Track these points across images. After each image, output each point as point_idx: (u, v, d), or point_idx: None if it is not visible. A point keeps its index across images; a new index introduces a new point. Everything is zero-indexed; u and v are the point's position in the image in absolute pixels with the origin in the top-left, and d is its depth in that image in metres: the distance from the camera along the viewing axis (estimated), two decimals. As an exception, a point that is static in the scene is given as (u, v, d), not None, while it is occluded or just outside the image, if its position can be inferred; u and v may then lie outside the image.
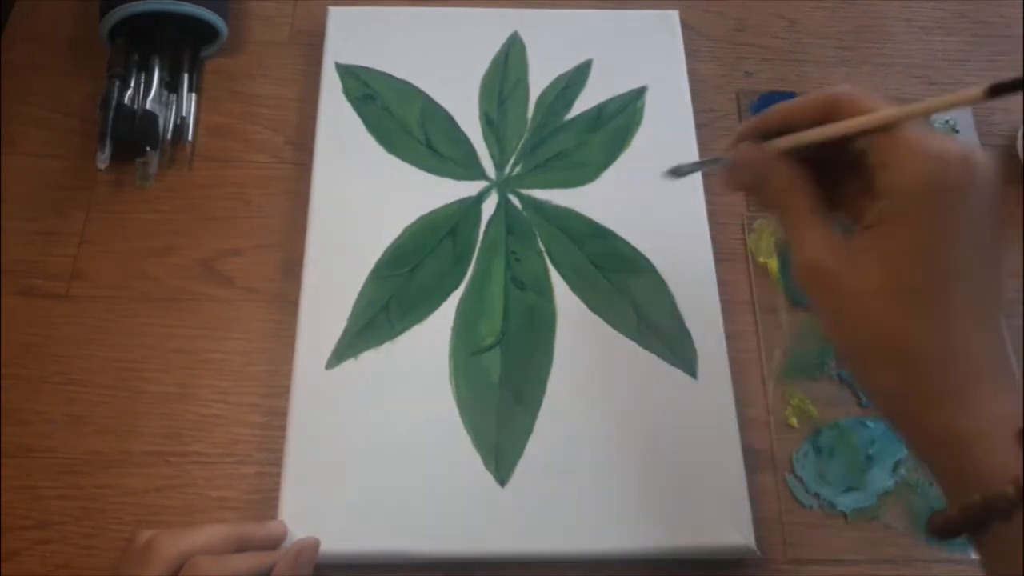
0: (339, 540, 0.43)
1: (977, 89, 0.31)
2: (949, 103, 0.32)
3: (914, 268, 0.32)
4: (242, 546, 0.40)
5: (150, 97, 0.55)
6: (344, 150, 0.54)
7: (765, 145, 0.36)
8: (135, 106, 0.55)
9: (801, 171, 0.36)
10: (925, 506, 0.47)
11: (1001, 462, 0.30)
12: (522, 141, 0.56)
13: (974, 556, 0.46)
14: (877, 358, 0.34)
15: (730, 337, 0.50)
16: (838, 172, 0.36)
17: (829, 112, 0.35)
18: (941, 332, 0.32)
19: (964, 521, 0.31)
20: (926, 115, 0.33)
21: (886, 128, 0.33)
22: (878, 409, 0.35)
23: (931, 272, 0.32)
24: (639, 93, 0.57)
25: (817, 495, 0.47)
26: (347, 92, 0.56)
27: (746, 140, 0.37)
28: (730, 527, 0.44)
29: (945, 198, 0.32)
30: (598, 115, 0.57)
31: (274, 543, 0.42)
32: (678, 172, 0.44)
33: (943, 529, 0.32)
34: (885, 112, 0.33)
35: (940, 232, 0.32)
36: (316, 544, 0.43)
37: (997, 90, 0.31)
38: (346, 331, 0.48)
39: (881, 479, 0.47)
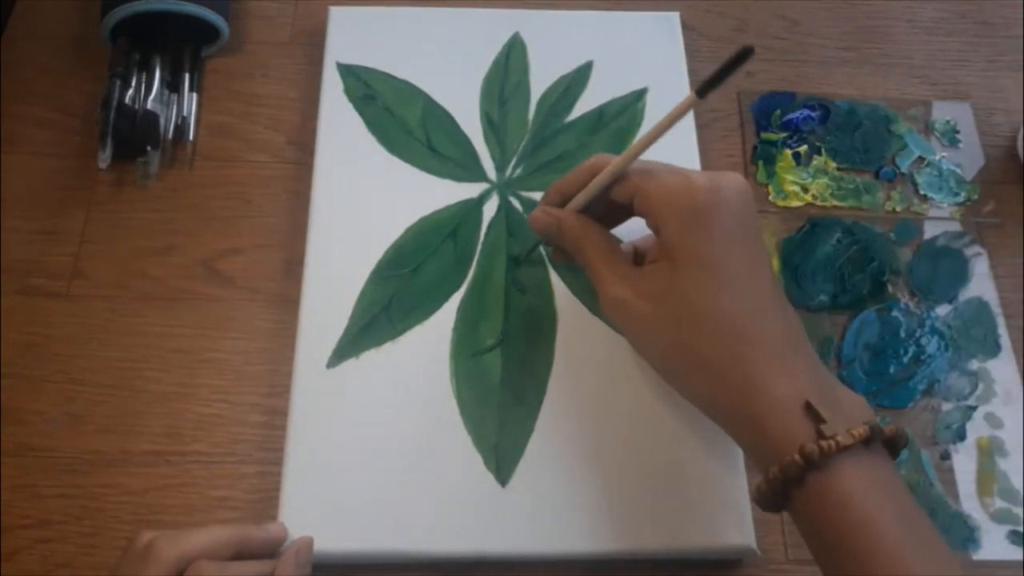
0: (339, 540, 0.43)
1: (689, 96, 0.38)
2: (664, 126, 0.38)
3: (689, 287, 0.37)
4: (242, 548, 0.40)
5: (151, 97, 0.55)
6: (345, 150, 0.54)
7: (552, 209, 0.43)
8: (136, 106, 0.55)
9: (587, 221, 0.42)
10: (924, 506, 0.47)
11: (791, 435, 0.34)
12: (523, 143, 0.56)
13: (974, 557, 0.46)
14: (677, 368, 0.39)
15: (731, 337, 0.50)
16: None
17: (589, 177, 0.41)
18: (719, 334, 0.37)
19: (772, 492, 0.35)
20: (644, 149, 0.39)
21: (620, 177, 0.40)
22: (700, 410, 0.40)
23: (708, 288, 0.37)
24: (640, 95, 0.57)
25: (817, 496, 0.47)
26: (348, 92, 0.56)
27: (541, 208, 0.44)
28: (731, 527, 0.44)
29: (701, 223, 0.37)
30: (599, 117, 0.57)
31: (274, 545, 0.42)
32: (518, 261, 0.51)
33: (759, 500, 0.36)
34: (611, 164, 0.40)
35: (706, 253, 0.37)
36: (311, 542, 0.43)
37: (703, 89, 0.37)
38: (347, 331, 0.48)
39: (882, 480, 0.47)
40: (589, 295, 0.50)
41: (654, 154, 0.55)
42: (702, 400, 0.39)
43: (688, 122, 0.56)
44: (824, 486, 0.33)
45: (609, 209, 0.42)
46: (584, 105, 0.57)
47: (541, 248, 0.51)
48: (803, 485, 0.34)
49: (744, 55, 0.36)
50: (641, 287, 0.39)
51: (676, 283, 0.38)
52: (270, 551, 0.42)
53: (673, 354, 0.38)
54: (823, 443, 0.33)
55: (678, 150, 0.55)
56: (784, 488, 0.35)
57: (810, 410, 0.35)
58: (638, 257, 0.45)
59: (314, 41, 0.60)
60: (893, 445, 0.36)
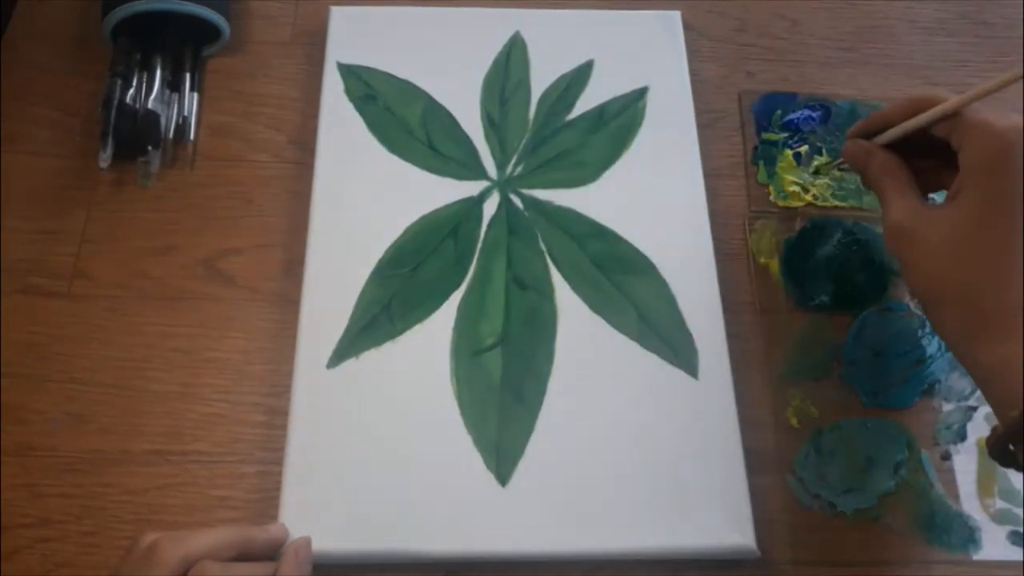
0: (340, 539, 0.43)
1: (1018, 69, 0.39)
2: (1002, 83, 0.40)
3: (979, 225, 0.38)
4: (245, 549, 0.40)
5: (152, 96, 0.55)
6: (346, 150, 0.54)
7: (865, 142, 0.46)
8: (137, 105, 0.55)
9: (895, 158, 0.44)
10: (925, 507, 0.47)
11: None
12: (523, 141, 0.56)
13: (975, 557, 0.46)
14: (944, 299, 0.40)
15: (731, 337, 0.50)
16: (942, 162, 0.43)
17: (915, 111, 0.43)
18: (996, 277, 0.38)
19: (1009, 434, 0.36)
20: (981, 98, 0.41)
21: (951, 115, 0.41)
22: (946, 343, 0.42)
23: (992, 229, 0.38)
24: (641, 93, 0.57)
25: (818, 496, 0.47)
26: (349, 92, 0.56)
27: (853, 138, 0.46)
28: (731, 528, 0.44)
29: (1007, 167, 0.38)
30: (600, 115, 0.57)
31: (276, 546, 0.42)
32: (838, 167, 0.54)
33: (994, 445, 0.37)
34: (945, 103, 0.41)
35: (999, 191, 0.38)
36: (309, 541, 0.43)
37: None
38: (347, 330, 0.49)
39: (882, 480, 0.47)
40: (590, 293, 0.50)
41: (656, 152, 0.55)
42: (950, 331, 0.40)
43: (688, 122, 0.56)
44: None
45: (919, 139, 0.44)
46: (585, 104, 0.57)
47: (541, 244, 0.51)
48: None
49: None
50: (927, 220, 0.41)
51: (966, 220, 0.39)
52: (271, 552, 0.42)
53: (939, 282, 0.40)
54: None
55: (678, 150, 0.55)
56: (1020, 434, 0.36)
57: None
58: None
59: (315, 41, 0.60)
60: None
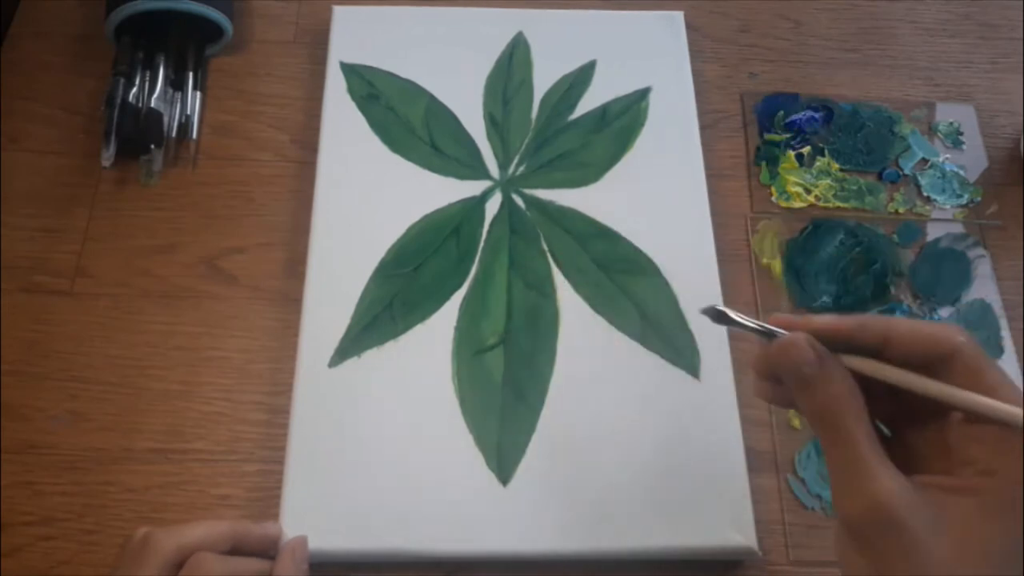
0: (340, 538, 0.43)
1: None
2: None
3: (1004, 553, 0.28)
4: (239, 543, 0.40)
5: (155, 95, 0.56)
6: (348, 149, 0.54)
7: (818, 344, 0.31)
8: (140, 104, 0.55)
9: (858, 391, 0.31)
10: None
11: None
12: (526, 141, 0.56)
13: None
14: None
15: (733, 338, 0.50)
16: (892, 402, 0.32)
17: (930, 353, 0.30)
18: None
19: None
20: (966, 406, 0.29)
21: (1007, 424, 0.29)
22: None
23: (1014, 561, 0.28)
24: (643, 94, 0.57)
25: (819, 496, 0.47)
26: (351, 91, 0.56)
27: (805, 333, 0.31)
28: (732, 528, 0.44)
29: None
30: (602, 115, 0.57)
31: (270, 543, 0.42)
32: (714, 317, 0.34)
33: None
34: (1014, 409, 0.29)
35: None
36: (305, 540, 0.43)
37: None
38: (349, 329, 0.49)
39: (883, 481, 0.47)
40: (592, 293, 0.50)
41: (658, 153, 0.55)
42: None
43: (691, 122, 0.56)
44: None
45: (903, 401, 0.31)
46: (587, 104, 0.57)
47: (543, 244, 0.52)
48: None
49: None
50: (926, 513, 0.29)
51: (990, 533, 0.29)
52: (266, 548, 0.42)
53: None
54: None
55: (682, 151, 0.55)
56: None
57: None
58: None
59: (318, 40, 0.60)
60: None
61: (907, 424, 0.32)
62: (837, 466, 0.30)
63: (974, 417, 0.30)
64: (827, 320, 0.32)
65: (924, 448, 0.31)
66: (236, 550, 0.40)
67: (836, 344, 0.31)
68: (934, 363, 0.30)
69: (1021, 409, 0.29)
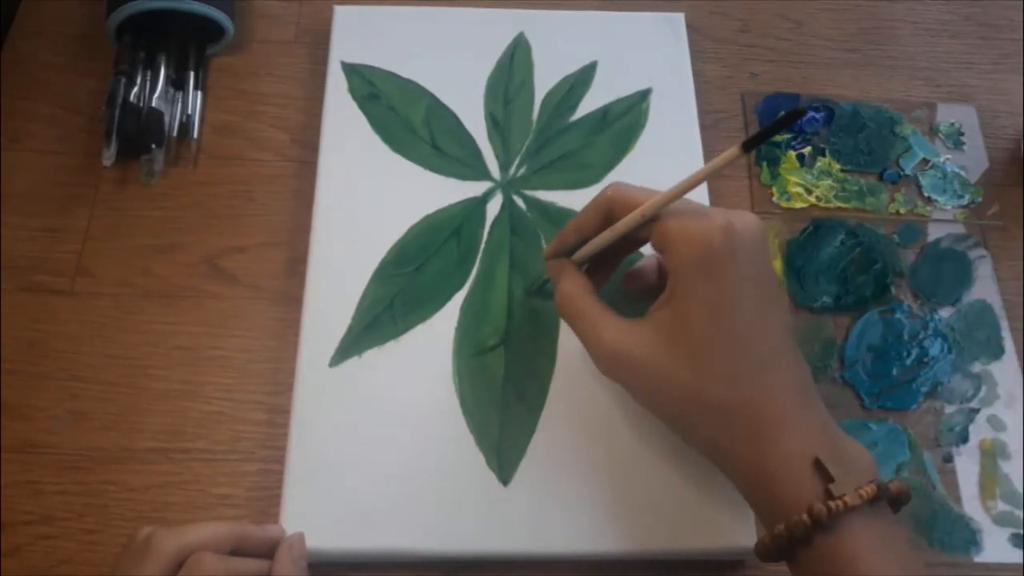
0: (341, 538, 0.43)
1: (732, 150, 0.35)
2: (700, 177, 0.37)
3: (701, 332, 0.36)
4: (240, 544, 0.40)
5: (156, 95, 0.56)
6: (349, 149, 0.54)
7: (556, 261, 0.43)
8: (141, 103, 0.55)
9: (581, 279, 0.42)
10: (927, 509, 0.47)
11: (798, 493, 0.34)
12: (527, 142, 0.56)
13: (976, 559, 0.46)
14: (691, 414, 0.38)
15: (733, 338, 0.50)
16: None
17: (608, 215, 0.40)
18: (734, 381, 0.36)
19: (776, 548, 0.35)
20: (676, 198, 0.38)
21: (651, 219, 0.38)
22: (707, 458, 0.39)
23: (719, 331, 0.36)
24: (644, 95, 0.57)
25: (820, 497, 0.47)
26: (352, 91, 0.56)
27: (549, 259, 0.44)
28: (732, 528, 0.44)
29: (713, 268, 0.36)
30: (603, 117, 0.57)
31: (271, 544, 0.42)
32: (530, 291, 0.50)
33: (761, 554, 0.36)
34: (635, 212, 0.39)
35: (719, 296, 0.36)
36: (303, 537, 0.43)
37: (748, 144, 0.35)
38: (350, 329, 0.49)
39: (884, 482, 0.47)
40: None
41: (659, 154, 0.55)
42: (707, 445, 0.39)
43: (692, 123, 0.56)
44: (831, 547, 0.33)
45: (623, 241, 0.41)
46: (588, 105, 0.57)
47: (544, 245, 0.51)
48: (809, 544, 0.34)
49: (795, 115, 0.34)
50: (644, 337, 0.38)
51: (687, 326, 0.37)
52: (267, 550, 0.42)
53: (681, 401, 0.38)
54: (832, 503, 0.33)
55: (681, 151, 0.55)
56: (789, 546, 0.34)
57: (819, 467, 0.34)
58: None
59: (319, 40, 0.60)
60: (897, 503, 0.35)
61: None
62: (581, 337, 0.41)
63: (644, 235, 0.39)
64: (553, 243, 0.44)
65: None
66: (238, 551, 0.40)
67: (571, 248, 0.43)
68: (614, 218, 0.40)
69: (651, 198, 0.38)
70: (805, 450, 0.35)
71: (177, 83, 0.57)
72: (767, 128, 0.35)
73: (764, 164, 0.57)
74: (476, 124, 0.56)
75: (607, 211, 0.40)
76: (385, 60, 0.58)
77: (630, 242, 0.42)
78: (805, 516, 0.33)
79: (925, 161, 0.58)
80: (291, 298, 0.51)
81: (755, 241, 0.38)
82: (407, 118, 0.56)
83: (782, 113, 0.36)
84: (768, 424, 0.36)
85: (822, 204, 0.56)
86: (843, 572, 0.33)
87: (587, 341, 0.41)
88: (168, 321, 0.50)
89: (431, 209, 0.53)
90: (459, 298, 0.50)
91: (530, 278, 0.51)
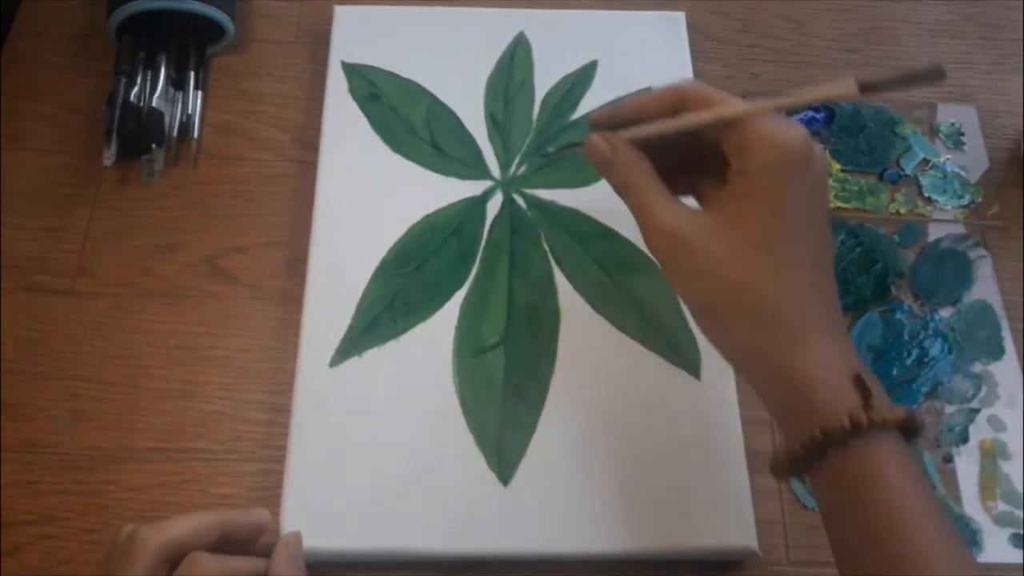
0: (340, 538, 0.43)
1: (849, 82, 0.37)
2: (809, 99, 0.38)
3: (765, 231, 0.36)
4: (227, 532, 0.40)
5: (156, 94, 0.56)
6: (349, 149, 0.54)
7: (611, 135, 0.40)
8: (141, 103, 0.55)
9: (644, 158, 0.39)
10: (928, 509, 0.47)
11: (836, 402, 0.34)
12: (527, 141, 0.56)
13: (976, 559, 0.46)
14: (729, 310, 0.37)
15: (734, 338, 0.50)
16: (687, 162, 0.40)
17: (676, 106, 0.39)
18: (786, 284, 0.36)
19: (807, 454, 0.35)
20: (771, 112, 0.37)
21: (733, 123, 0.37)
22: (731, 359, 0.39)
23: (778, 234, 0.36)
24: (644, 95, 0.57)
25: (820, 497, 0.47)
26: (353, 91, 0.56)
27: (598, 128, 0.41)
28: (732, 528, 0.44)
29: (791, 174, 0.36)
30: (603, 116, 0.57)
31: (258, 529, 0.41)
32: (547, 155, 0.52)
33: (788, 464, 0.36)
34: (726, 110, 0.37)
35: (786, 202, 0.36)
36: (299, 535, 0.42)
37: (867, 86, 0.36)
38: (350, 329, 0.49)
39: (884, 482, 0.47)
40: (593, 293, 0.50)
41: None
42: (738, 345, 0.38)
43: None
44: (863, 456, 0.34)
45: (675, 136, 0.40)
46: (588, 104, 0.57)
47: (544, 244, 0.52)
48: (845, 448, 0.34)
49: (933, 75, 0.35)
50: (702, 225, 0.38)
51: (757, 223, 0.36)
52: (255, 535, 0.41)
53: (724, 289, 0.37)
54: (872, 414, 0.34)
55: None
56: (821, 452, 0.34)
57: (859, 383, 0.35)
58: None
59: (319, 40, 0.60)
60: (914, 434, 0.36)
61: (702, 175, 0.40)
62: (638, 217, 0.39)
63: (718, 132, 0.38)
64: (604, 111, 0.42)
65: (711, 188, 0.39)
66: (225, 539, 0.39)
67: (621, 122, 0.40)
68: (681, 111, 0.39)
69: (737, 102, 0.37)
70: (844, 366, 0.35)
71: (177, 83, 0.57)
72: (899, 78, 0.36)
73: (764, 164, 0.57)
74: (476, 124, 0.56)
75: (677, 102, 0.39)
76: (385, 60, 0.58)
77: (676, 145, 0.40)
78: (847, 421, 0.33)
79: (925, 161, 0.58)
80: (291, 298, 0.51)
81: (824, 163, 0.38)
82: (407, 118, 0.56)
83: (920, 69, 0.37)
84: (812, 333, 0.36)
85: (822, 204, 0.56)
86: (866, 484, 0.34)
87: (642, 214, 0.39)
88: (168, 321, 0.50)
89: (431, 209, 0.53)
90: (459, 297, 0.50)
91: (530, 277, 0.51)
